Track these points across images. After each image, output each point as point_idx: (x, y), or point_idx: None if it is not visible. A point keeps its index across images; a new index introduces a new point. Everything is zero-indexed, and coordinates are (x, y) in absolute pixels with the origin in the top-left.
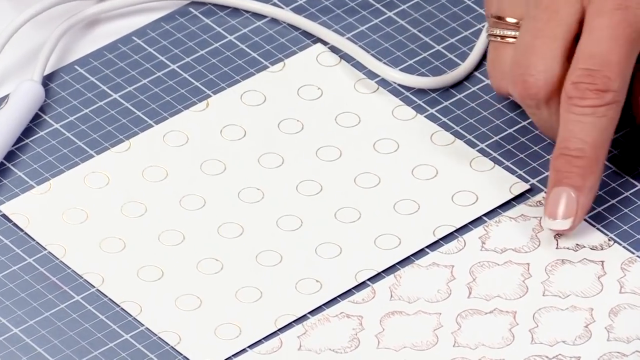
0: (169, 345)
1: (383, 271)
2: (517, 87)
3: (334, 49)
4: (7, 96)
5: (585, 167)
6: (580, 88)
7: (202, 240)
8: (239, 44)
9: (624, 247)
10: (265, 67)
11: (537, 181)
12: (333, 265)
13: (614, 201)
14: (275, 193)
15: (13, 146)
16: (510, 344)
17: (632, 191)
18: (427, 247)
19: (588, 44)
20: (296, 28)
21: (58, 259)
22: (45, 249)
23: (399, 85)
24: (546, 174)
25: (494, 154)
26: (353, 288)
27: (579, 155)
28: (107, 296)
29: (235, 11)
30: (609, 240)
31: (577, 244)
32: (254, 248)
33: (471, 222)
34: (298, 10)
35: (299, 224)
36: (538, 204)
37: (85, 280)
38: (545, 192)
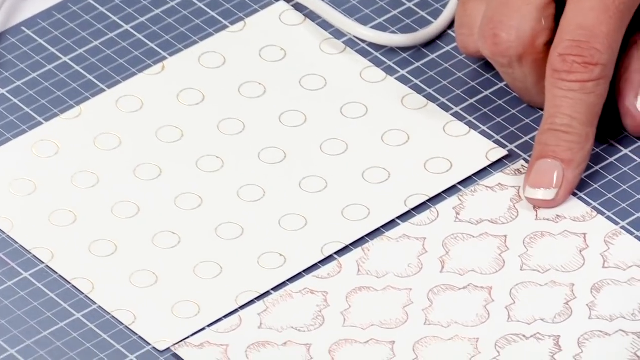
0: (122, 324)
1: (351, 244)
2: (487, 42)
3: (298, 7)
4: None
5: (574, 142)
6: (568, 60)
7: (157, 212)
8: (196, 2)
9: (607, 217)
10: (224, 27)
11: (515, 147)
12: (298, 238)
13: (597, 167)
14: (236, 161)
15: None
16: (485, 322)
17: (616, 157)
18: (397, 218)
19: (576, 14)
20: None
21: (5, 233)
22: None
23: (368, 45)
24: (526, 138)
25: (469, 118)
26: (318, 262)
27: (567, 131)
28: (57, 273)
29: None
30: (592, 211)
31: (557, 215)
32: (213, 220)
33: (445, 191)
34: None
35: (261, 194)
36: (517, 172)
37: (34, 256)
38: (525, 161)
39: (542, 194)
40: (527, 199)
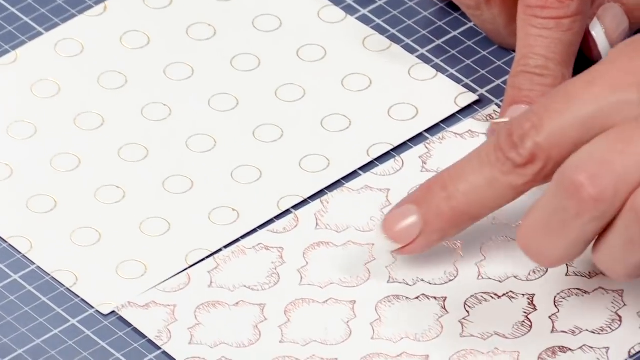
0: (64, 286)
1: (309, 197)
2: None
3: None
4: None
5: (549, 86)
6: None
7: (100, 164)
8: None
9: None
10: None
11: (486, 91)
12: (252, 192)
13: None
14: (184, 109)
15: None
16: (453, 280)
17: None
18: (359, 168)
19: None
20: None
21: None
22: None
23: None
24: (497, 82)
25: (436, 61)
26: (274, 217)
27: (542, 74)
28: None
29: None
30: None
31: None
32: (160, 173)
33: (410, 140)
34: None
35: (212, 145)
36: (488, 118)
37: None
38: (498, 106)
39: None
40: None
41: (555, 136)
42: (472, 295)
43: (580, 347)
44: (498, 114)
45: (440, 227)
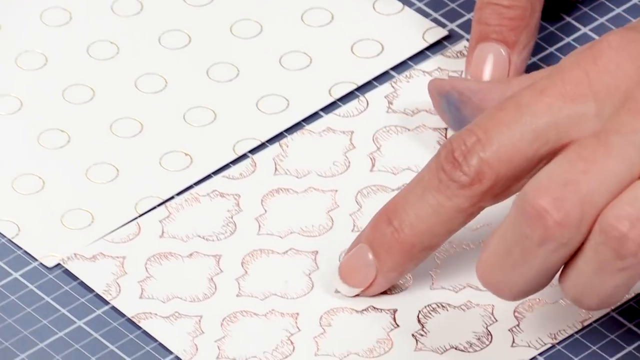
0: (5, 237)
1: (267, 140)
2: None
3: None
4: None
5: (518, 20)
6: None
7: (43, 106)
8: None
9: None
10: None
11: (456, 26)
12: (206, 135)
13: (552, 49)
14: (132, 46)
15: None
16: (404, 290)
17: (574, 37)
18: (321, 109)
19: None
20: None
21: None
22: None
23: None
24: (468, 16)
25: None
26: (230, 162)
27: (509, 5)
28: None
29: None
30: None
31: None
32: (107, 116)
33: (375, 78)
34: None
35: (162, 85)
36: (459, 54)
37: None
38: (468, 42)
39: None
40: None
41: (505, 151)
42: (425, 306)
43: None
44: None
45: (395, 263)
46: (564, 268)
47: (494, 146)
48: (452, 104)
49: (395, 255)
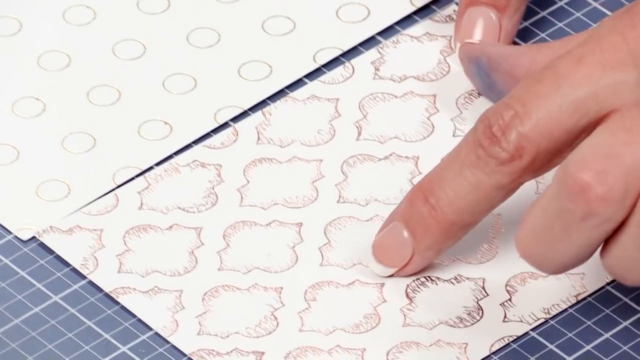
0: None
1: (249, 108)
2: None
3: None
4: None
5: None
6: None
7: (18, 73)
8: None
9: None
10: None
11: None
12: (186, 103)
13: (544, 13)
14: (111, 11)
15: None
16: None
17: (566, 0)
18: (305, 76)
19: None
20: None
21: None
22: None
23: None
24: None
25: None
26: (211, 131)
27: None
28: None
29: None
30: None
31: None
32: (84, 82)
33: (362, 44)
34: None
35: (141, 51)
36: (448, 19)
37: None
38: (456, 7)
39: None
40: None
41: (544, 124)
42: (414, 280)
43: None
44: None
45: (433, 242)
46: (605, 242)
47: (532, 120)
48: (482, 69)
49: (433, 234)
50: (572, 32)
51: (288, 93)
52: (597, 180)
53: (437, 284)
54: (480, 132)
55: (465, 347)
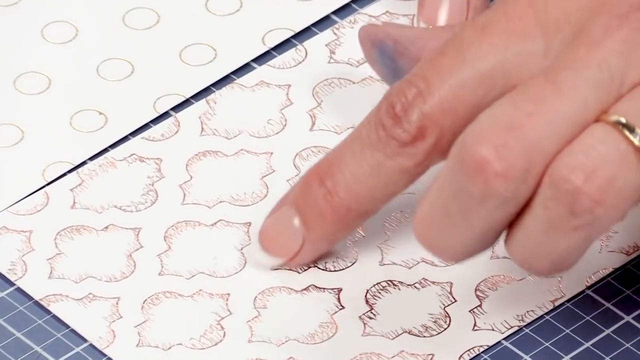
0: None
1: (192, 97)
2: None
3: None
4: None
5: None
6: None
7: None
8: None
9: None
10: None
11: None
12: (122, 90)
13: None
14: None
15: None
16: (351, 266)
17: None
18: (253, 60)
19: None
20: None
21: None
22: None
23: None
24: None
25: None
26: (150, 122)
27: None
28: None
29: None
30: None
31: None
32: (10, 69)
33: (315, 24)
34: None
35: (73, 34)
36: None
37: None
38: None
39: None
40: None
41: (448, 101)
42: (374, 285)
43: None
44: None
45: (326, 231)
46: (510, 227)
47: (435, 98)
48: (385, 54)
49: (326, 222)
50: None
51: (234, 79)
52: (495, 155)
53: (399, 288)
54: (383, 112)
55: (431, 359)
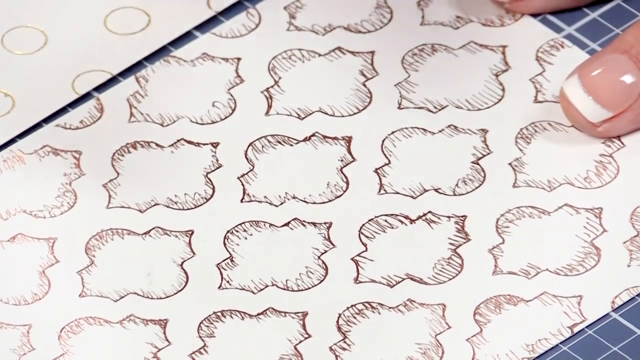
0: None
1: (119, 74)
2: None
3: None
4: None
5: None
6: None
7: None
8: None
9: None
10: None
11: None
12: (33, 66)
13: None
14: None
15: None
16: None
17: None
18: (195, 27)
19: None
20: None
21: None
22: None
23: None
24: None
25: None
26: (67, 105)
27: None
28: None
29: None
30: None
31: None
32: None
33: None
34: None
35: None
36: None
37: None
38: None
39: None
40: None
41: None
42: (348, 307)
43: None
44: None
45: None
46: None
47: None
48: None
49: None
50: None
51: (171, 51)
52: None
53: (379, 312)
54: None
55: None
